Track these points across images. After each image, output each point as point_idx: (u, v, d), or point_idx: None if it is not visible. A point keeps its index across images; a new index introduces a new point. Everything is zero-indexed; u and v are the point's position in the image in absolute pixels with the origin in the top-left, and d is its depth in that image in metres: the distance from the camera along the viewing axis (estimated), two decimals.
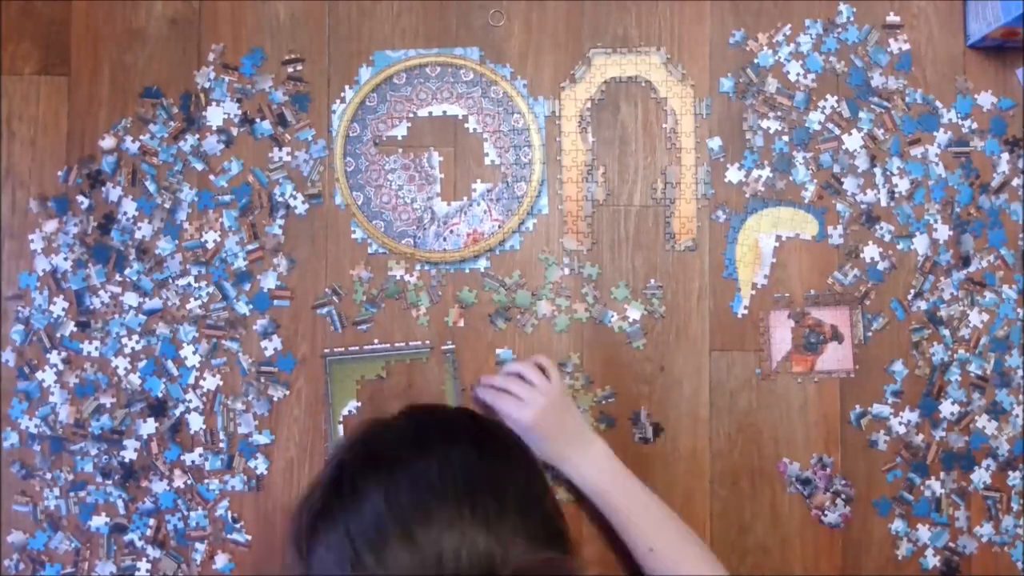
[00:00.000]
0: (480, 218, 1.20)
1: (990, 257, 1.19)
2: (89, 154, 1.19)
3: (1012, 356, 1.18)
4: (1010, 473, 1.18)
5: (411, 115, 1.21)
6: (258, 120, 1.20)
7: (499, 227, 1.19)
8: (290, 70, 1.20)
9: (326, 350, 1.18)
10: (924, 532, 1.17)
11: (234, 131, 1.20)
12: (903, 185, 1.20)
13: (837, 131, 1.20)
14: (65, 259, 1.18)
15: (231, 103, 1.20)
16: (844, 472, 1.18)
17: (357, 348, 1.18)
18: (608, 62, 1.21)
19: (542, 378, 1.12)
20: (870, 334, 1.19)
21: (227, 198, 1.19)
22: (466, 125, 1.21)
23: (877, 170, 1.20)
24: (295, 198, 1.19)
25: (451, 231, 1.20)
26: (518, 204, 1.19)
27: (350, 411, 1.18)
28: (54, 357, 1.17)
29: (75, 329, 1.18)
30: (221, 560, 1.17)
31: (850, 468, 1.18)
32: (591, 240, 1.20)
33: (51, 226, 1.18)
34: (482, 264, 1.20)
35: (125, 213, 1.19)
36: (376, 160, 1.21)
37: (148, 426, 1.17)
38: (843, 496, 1.18)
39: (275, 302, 1.19)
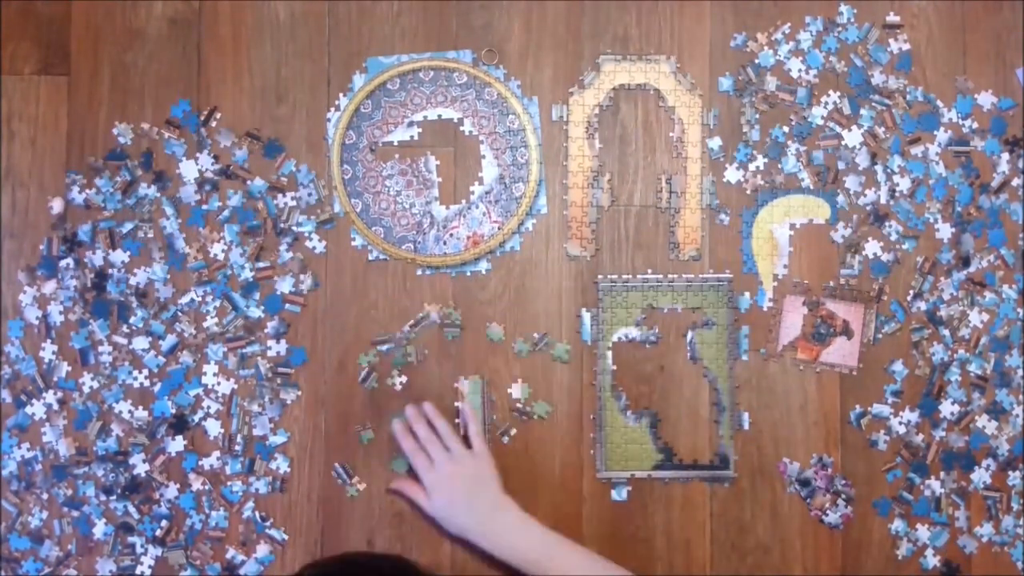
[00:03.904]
0: (479, 220, 1.20)
1: (990, 257, 1.19)
2: (62, 223, 1.18)
3: (1012, 356, 1.18)
4: (1010, 473, 1.18)
5: (406, 120, 1.20)
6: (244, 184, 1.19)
7: (499, 228, 1.19)
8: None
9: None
10: (924, 532, 1.17)
11: (216, 179, 1.19)
12: (904, 184, 1.19)
13: (838, 128, 1.20)
14: (61, 313, 1.17)
15: (206, 157, 1.19)
16: (844, 472, 1.18)
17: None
18: (617, 69, 1.21)
19: (461, 447, 1.11)
20: (880, 336, 1.19)
21: (226, 214, 1.18)
22: (462, 128, 1.20)
23: (878, 167, 1.20)
24: (308, 226, 1.19)
25: (451, 234, 1.20)
26: (517, 205, 1.19)
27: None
28: (49, 396, 1.17)
29: (70, 369, 1.17)
30: (262, 551, 1.17)
31: (850, 468, 1.18)
32: (595, 247, 1.20)
33: (50, 286, 1.18)
34: (483, 266, 1.19)
35: (112, 264, 1.18)
36: (373, 167, 1.20)
37: (177, 443, 1.17)
38: (843, 496, 1.18)
39: (287, 306, 1.18)
